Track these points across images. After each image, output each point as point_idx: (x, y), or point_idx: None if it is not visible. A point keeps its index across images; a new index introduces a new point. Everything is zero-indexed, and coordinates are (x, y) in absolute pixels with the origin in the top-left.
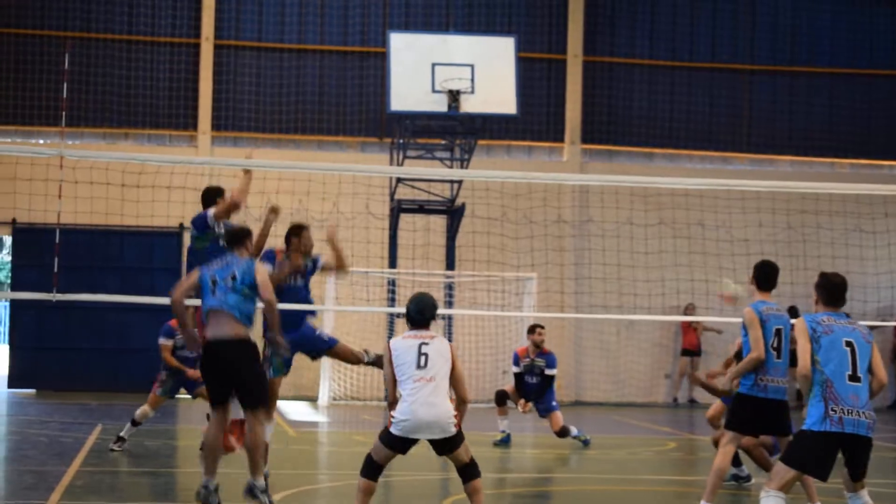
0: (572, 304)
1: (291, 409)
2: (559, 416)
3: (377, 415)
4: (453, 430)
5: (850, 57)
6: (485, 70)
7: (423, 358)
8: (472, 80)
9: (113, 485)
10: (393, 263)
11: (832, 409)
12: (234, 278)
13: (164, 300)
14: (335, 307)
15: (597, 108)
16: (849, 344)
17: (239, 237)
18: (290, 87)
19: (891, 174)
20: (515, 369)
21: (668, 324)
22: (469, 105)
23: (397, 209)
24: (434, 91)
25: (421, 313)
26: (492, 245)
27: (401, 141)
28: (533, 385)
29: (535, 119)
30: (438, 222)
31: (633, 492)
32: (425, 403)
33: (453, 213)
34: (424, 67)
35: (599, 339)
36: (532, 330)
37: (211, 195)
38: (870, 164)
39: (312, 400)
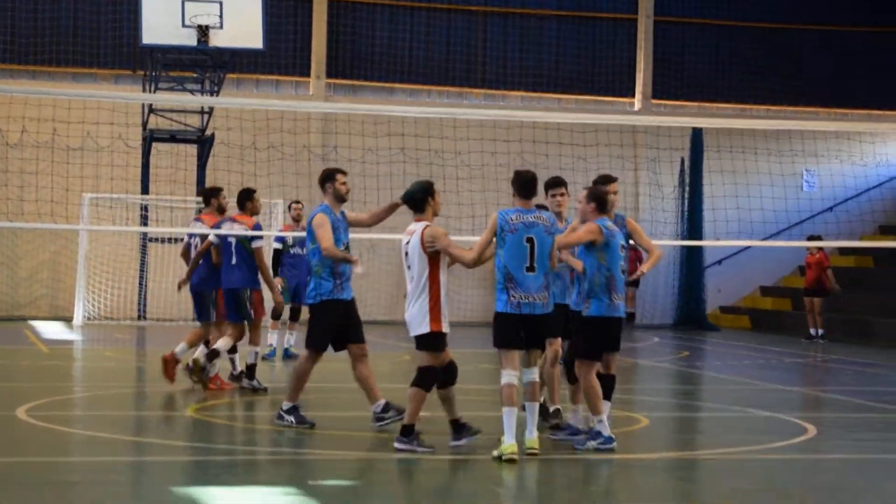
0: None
1: (47, 328)
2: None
3: (130, 333)
4: (418, 331)
5: (575, 0)
6: (233, 6)
7: (406, 257)
8: (221, 15)
9: None
10: (145, 190)
11: (512, 296)
12: None
13: None
14: (90, 227)
15: (341, 45)
16: (529, 240)
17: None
18: (45, 20)
19: (611, 108)
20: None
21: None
22: (218, 39)
23: (150, 138)
24: (184, 26)
25: (410, 199)
26: (244, 171)
27: (153, 73)
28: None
29: (282, 54)
30: (190, 151)
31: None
32: (408, 304)
33: (203, 142)
34: (175, 2)
35: None
36: None
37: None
38: (593, 99)
39: (68, 320)
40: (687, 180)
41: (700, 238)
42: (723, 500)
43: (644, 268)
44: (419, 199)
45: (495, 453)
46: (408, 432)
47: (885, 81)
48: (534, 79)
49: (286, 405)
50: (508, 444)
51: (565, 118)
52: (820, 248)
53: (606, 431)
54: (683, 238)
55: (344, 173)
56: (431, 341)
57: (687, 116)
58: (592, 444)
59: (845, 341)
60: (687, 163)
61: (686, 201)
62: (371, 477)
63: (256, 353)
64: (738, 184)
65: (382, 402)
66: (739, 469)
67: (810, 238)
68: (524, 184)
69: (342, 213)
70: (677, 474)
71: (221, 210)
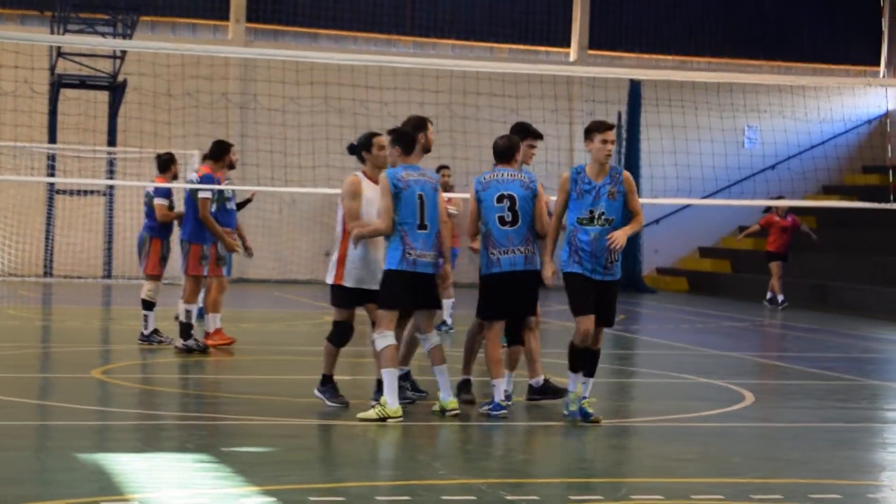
0: (240, 177)
1: None
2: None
3: (35, 290)
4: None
5: None
6: None
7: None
8: None
9: None
10: (53, 139)
11: (408, 253)
12: None
13: None
14: None
15: None
16: (420, 196)
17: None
18: None
19: (546, 59)
20: None
21: (330, 203)
22: None
23: (57, 84)
24: None
25: (352, 148)
26: (158, 120)
27: (62, 14)
28: None
29: None
30: (101, 98)
31: (284, 360)
32: None
33: (115, 88)
34: None
35: (262, 216)
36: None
37: None
38: (527, 49)
39: None
40: (624, 135)
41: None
42: (656, 467)
43: (617, 235)
44: (359, 147)
45: (366, 415)
46: (324, 381)
47: (830, 34)
48: (466, 27)
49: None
50: (394, 408)
51: (498, 68)
52: (788, 210)
53: (498, 396)
54: None
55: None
56: (332, 294)
57: (625, 68)
58: (486, 408)
59: (794, 307)
60: (624, 117)
61: (623, 157)
62: (287, 443)
63: (190, 312)
64: (676, 139)
65: (406, 368)
66: (674, 436)
67: (776, 199)
68: (406, 141)
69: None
70: (610, 442)
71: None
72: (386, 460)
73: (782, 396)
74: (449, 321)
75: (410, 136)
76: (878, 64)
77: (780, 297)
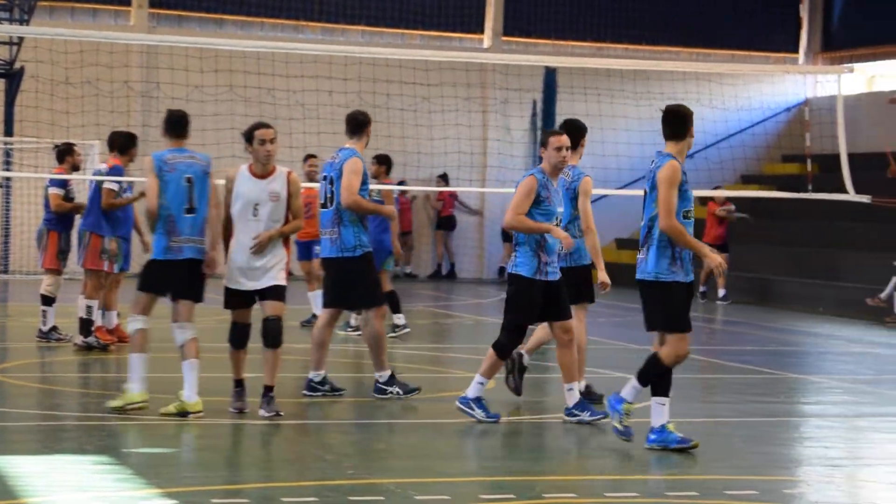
0: (141, 168)
1: None
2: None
3: None
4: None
5: None
6: None
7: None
8: None
9: None
10: None
11: (173, 240)
12: None
13: None
14: None
15: None
16: (188, 180)
17: None
18: None
19: (459, 45)
20: None
21: None
22: None
23: None
24: None
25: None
26: (56, 109)
27: None
28: None
29: None
30: None
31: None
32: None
33: (11, 76)
34: None
35: None
36: None
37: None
38: (440, 35)
39: None
40: (539, 124)
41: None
42: (571, 465)
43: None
44: (244, 137)
45: (113, 404)
46: (236, 384)
47: (749, 21)
48: (376, 13)
49: (382, 376)
50: (135, 394)
51: (409, 55)
52: (712, 200)
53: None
54: None
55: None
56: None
57: (539, 55)
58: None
59: (713, 298)
60: (539, 105)
61: (538, 146)
62: (190, 443)
63: (90, 308)
64: (593, 128)
65: (388, 371)
66: (590, 433)
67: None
68: (174, 123)
69: None
70: (524, 439)
71: (76, 167)
72: (293, 460)
73: (699, 391)
74: (319, 313)
75: (178, 118)
76: (796, 51)
77: (722, 293)
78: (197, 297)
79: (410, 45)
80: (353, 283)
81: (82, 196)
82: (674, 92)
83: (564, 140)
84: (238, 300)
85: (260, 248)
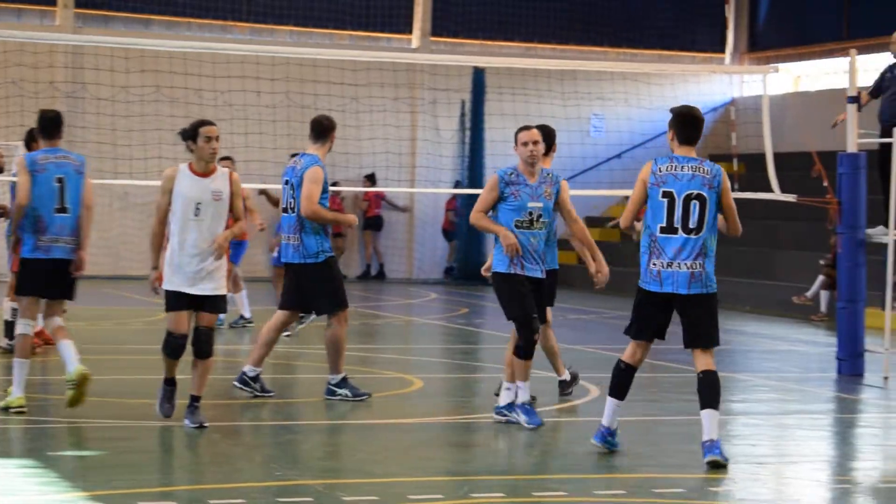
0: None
1: None
2: None
3: None
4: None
5: None
6: None
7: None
8: None
9: None
10: None
11: (40, 240)
12: None
13: None
14: None
15: None
16: (59, 180)
17: None
18: None
19: (388, 45)
20: None
21: None
22: None
23: None
24: None
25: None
26: None
27: None
28: None
29: None
30: None
31: (116, 360)
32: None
33: None
34: None
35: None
36: None
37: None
38: (367, 35)
39: None
40: (468, 124)
41: (480, 186)
42: (499, 464)
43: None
44: (186, 135)
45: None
46: (167, 383)
47: (676, 21)
48: (304, 13)
49: (335, 378)
50: (15, 398)
51: (337, 55)
52: None
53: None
54: (463, 186)
55: None
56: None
57: (468, 55)
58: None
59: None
60: (468, 105)
61: (467, 146)
62: (117, 446)
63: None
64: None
65: (342, 374)
66: (518, 433)
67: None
68: (46, 123)
69: None
70: (454, 439)
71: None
72: (221, 462)
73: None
74: (247, 315)
75: (51, 118)
76: (723, 51)
77: None
78: (67, 295)
79: (339, 45)
80: (317, 289)
81: (6, 198)
82: (601, 92)
83: (531, 135)
84: (179, 303)
85: (221, 253)
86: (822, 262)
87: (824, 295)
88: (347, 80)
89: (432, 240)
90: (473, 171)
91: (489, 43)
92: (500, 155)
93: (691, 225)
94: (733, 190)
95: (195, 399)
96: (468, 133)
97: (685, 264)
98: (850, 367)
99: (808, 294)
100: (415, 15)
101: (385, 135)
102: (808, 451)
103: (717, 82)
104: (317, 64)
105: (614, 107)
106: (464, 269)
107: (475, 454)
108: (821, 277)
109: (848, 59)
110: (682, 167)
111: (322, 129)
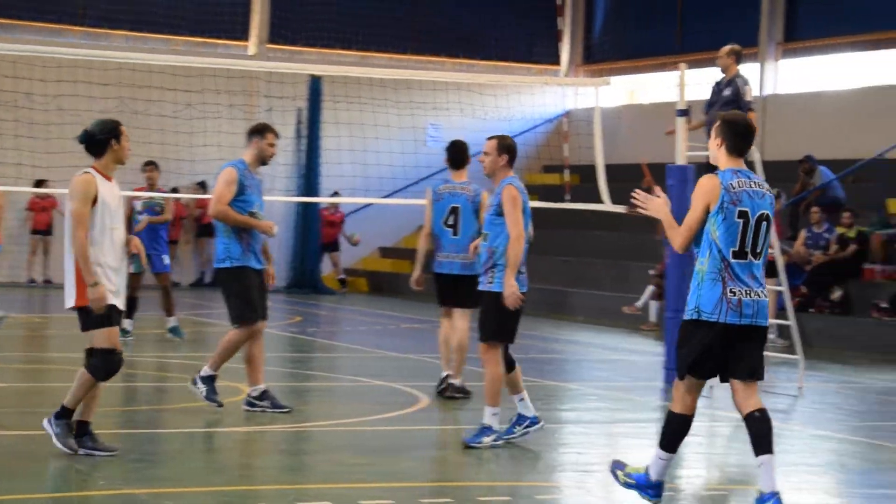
0: None
1: None
2: None
3: None
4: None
5: None
6: None
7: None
8: None
9: None
10: None
11: None
12: None
13: None
14: None
15: None
16: None
17: None
18: None
19: (225, 52)
20: None
21: (17, 203)
22: None
23: None
24: None
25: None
26: None
27: None
28: None
29: None
30: None
31: None
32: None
33: None
34: None
35: None
36: None
37: None
38: (204, 41)
39: None
40: (304, 132)
41: (317, 195)
42: (327, 473)
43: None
44: (101, 137)
45: None
46: (60, 415)
47: (512, 33)
48: (140, 17)
49: (256, 391)
50: None
51: (172, 61)
52: None
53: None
54: (299, 194)
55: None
56: (80, 318)
57: (305, 63)
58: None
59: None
60: (305, 113)
61: (303, 155)
62: None
63: None
64: (357, 137)
65: (262, 387)
66: (347, 441)
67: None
68: None
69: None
70: (282, 447)
71: None
72: (42, 472)
73: (458, 399)
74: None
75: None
76: (558, 63)
77: None
78: None
79: (174, 50)
80: (223, 296)
81: None
82: (436, 102)
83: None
84: (117, 317)
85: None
86: (651, 272)
87: (653, 305)
88: (181, 87)
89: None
90: (309, 179)
91: (326, 51)
92: (336, 164)
93: (758, 249)
94: (563, 201)
95: (68, 412)
96: (304, 141)
97: (763, 293)
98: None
99: (638, 304)
100: (252, 22)
101: (220, 142)
102: (635, 460)
103: (552, 94)
104: (151, 69)
105: (450, 117)
106: (298, 278)
107: (304, 462)
108: (650, 287)
109: (679, 73)
110: (752, 184)
111: (248, 133)
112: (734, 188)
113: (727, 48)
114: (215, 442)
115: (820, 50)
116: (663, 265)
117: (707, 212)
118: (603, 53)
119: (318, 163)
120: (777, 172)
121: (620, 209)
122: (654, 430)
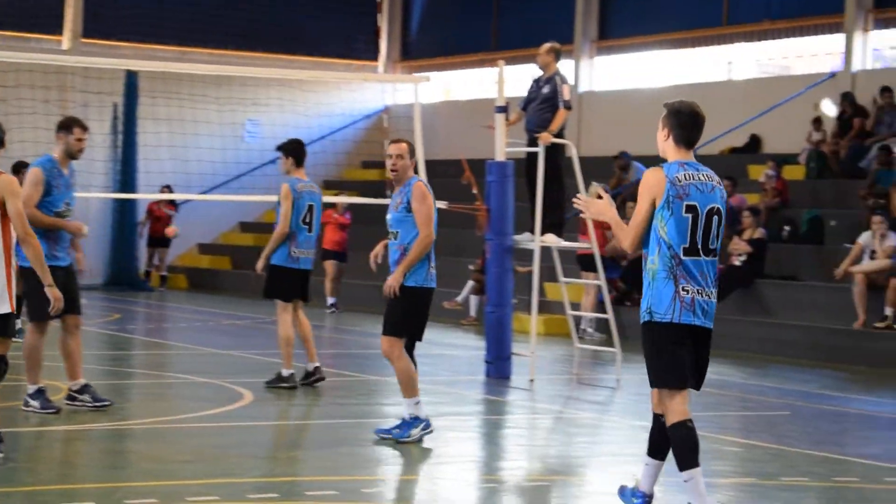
0: None
1: None
2: None
3: None
4: None
5: None
6: None
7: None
8: None
9: None
10: None
11: None
12: None
13: None
14: None
15: None
16: None
17: None
18: None
19: (37, 46)
20: None
21: None
22: None
23: None
24: None
25: None
26: None
27: None
28: None
29: None
30: None
31: None
32: None
33: None
34: None
35: None
36: None
37: None
38: (15, 35)
39: None
40: (120, 128)
41: (133, 191)
42: (151, 470)
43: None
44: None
45: None
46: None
47: (332, 29)
48: None
49: (76, 385)
50: None
51: None
52: (347, 206)
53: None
54: (116, 190)
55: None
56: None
57: (120, 58)
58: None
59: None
60: (120, 109)
61: (119, 150)
62: None
63: None
64: (175, 133)
65: (82, 381)
66: (170, 438)
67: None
68: None
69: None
70: (104, 446)
71: None
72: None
73: (281, 394)
74: None
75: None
76: (376, 59)
77: (331, 300)
78: None
79: None
80: (24, 294)
81: None
82: (257, 98)
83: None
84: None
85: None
86: (471, 267)
87: (474, 300)
88: None
89: (83, 242)
90: (126, 175)
91: (143, 46)
92: (154, 160)
93: (711, 245)
94: (381, 196)
95: None
96: (121, 137)
97: (713, 293)
98: (498, 369)
99: (459, 299)
100: (66, 16)
101: (35, 138)
102: (457, 452)
103: (371, 90)
104: None
105: (270, 112)
106: (116, 275)
107: (128, 460)
108: (470, 283)
109: (497, 69)
110: (701, 176)
111: (56, 129)
112: (680, 181)
113: (547, 46)
114: (34, 441)
115: (633, 48)
116: (483, 260)
117: (654, 207)
118: (420, 50)
119: (135, 158)
120: (593, 168)
121: (441, 205)
122: (475, 423)
